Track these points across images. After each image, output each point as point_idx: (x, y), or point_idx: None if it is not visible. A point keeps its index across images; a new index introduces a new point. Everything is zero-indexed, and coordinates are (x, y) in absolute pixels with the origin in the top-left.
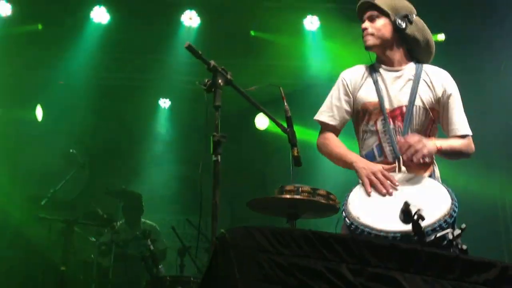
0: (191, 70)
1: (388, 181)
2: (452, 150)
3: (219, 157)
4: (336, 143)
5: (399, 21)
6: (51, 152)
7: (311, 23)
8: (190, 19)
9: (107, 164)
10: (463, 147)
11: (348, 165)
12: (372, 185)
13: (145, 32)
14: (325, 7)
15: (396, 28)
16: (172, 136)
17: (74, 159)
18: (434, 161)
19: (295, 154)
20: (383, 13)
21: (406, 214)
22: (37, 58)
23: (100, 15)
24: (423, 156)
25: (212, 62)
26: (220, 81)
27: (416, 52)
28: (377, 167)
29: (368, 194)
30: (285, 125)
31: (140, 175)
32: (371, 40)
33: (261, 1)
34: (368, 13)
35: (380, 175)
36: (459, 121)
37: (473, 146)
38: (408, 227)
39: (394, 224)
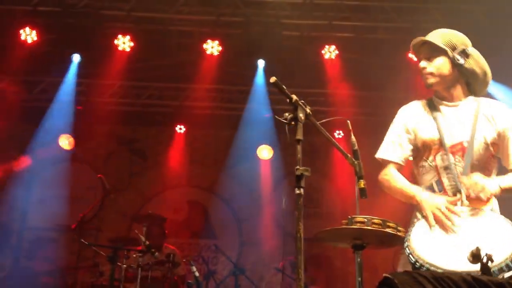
0: (207, 97)
1: (453, 215)
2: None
3: (302, 190)
4: (397, 178)
5: (458, 57)
6: (78, 178)
7: (329, 52)
8: (212, 47)
9: (119, 189)
10: None
11: (409, 199)
12: (436, 219)
13: (165, 59)
14: (343, 37)
15: (454, 64)
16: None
17: (101, 184)
18: None
19: (362, 186)
20: (440, 50)
21: (475, 256)
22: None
23: (124, 43)
24: (488, 194)
25: (294, 97)
26: (301, 115)
27: (474, 84)
28: (441, 200)
29: (431, 230)
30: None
31: (152, 200)
32: (431, 79)
33: (280, 31)
34: (425, 51)
35: (444, 209)
36: None
37: None
38: (473, 266)
39: (459, 263)
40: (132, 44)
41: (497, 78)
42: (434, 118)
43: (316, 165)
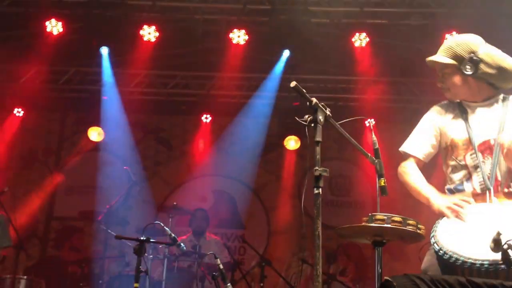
0: (233, 85)
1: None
2: None
3: (320, 190)
4: (415, 175)
5: (467, 67)
6: (105, 169)
7: (360, 39)
8: (239, 36)
9: (145, 178)
10: None
11: (425, 200)
12: (453, 211)
13: (191, 48)
14: (375, 23)
15: (466, 75)
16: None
17: (127, 176)
18: None
19: (382, 184)
20: (448, 66)
21: (496, 243)
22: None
23: (149, 33)
24: None
25: (314, 100)
26: (320, 117)
27: (495, 82)
28: (453, 198)
29: (456, 221)
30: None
31: (178, 189)
32: (448, 95)
33: (308, 18)
34: (437, 68)
35: (458, 201)
36: None
37: None
38: (495, 255)
39: (481, 252)
40: (157, 34)
41: None
42: (463, 118)
43: (345, 153)
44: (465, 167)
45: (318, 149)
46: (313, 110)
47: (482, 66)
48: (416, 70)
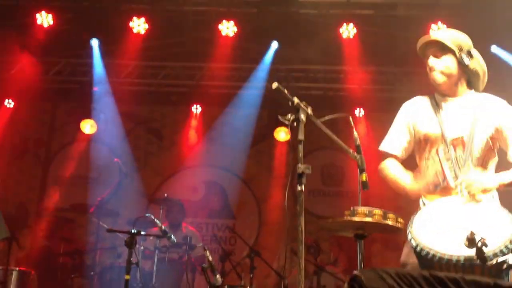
0: (224, 76)
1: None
2: None
3: (303, 186)
4: (391, 167)
5: (465, 57)
6: (96, 160)
7: (348, 30)
8: (228, 28)
9: (136, 169)
10: None
11: (402, 190)
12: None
13: (181, 38)
14: (362, 14)
15: (459, 63)
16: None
17: (118, 168)
18: None
19: (363, 179)
20: (448, 49)
21: (470, 241)
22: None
23: (139, 25)
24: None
25: (296, 100)
26: (302, 116)
27: (475, 82)
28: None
29: (432, 216)
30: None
31: (169, 180)
32: (441, 78)
33: (298, 9)
34: (433, 50)
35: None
36: None
37: None
38: (470, 251)
39: (457, 248)
40: (147, 26)
41: None
42: (436, 113)
43: None
44: (438, 161)
45: (300, 147)
46: (295, 109)
47: (475, 62)
48: (403, 59)
